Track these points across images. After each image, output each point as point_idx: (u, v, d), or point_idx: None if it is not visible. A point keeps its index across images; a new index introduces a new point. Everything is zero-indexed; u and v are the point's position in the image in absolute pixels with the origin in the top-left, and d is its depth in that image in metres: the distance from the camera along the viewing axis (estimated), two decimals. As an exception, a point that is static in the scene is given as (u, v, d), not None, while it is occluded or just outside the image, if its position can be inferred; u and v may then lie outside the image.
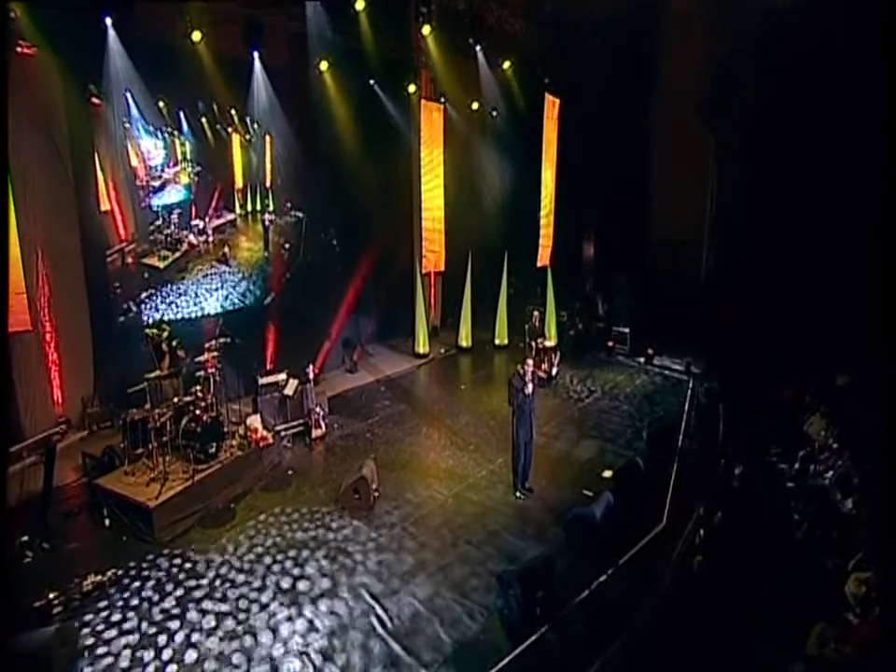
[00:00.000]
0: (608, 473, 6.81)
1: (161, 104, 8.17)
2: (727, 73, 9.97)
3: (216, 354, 6.74)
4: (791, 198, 9.35)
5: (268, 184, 9.92)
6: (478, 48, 10.84)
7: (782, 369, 8.53)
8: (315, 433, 8.09)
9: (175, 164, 8.71)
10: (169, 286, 8.70)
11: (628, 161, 11.47)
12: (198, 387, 6.55)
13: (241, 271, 9.68)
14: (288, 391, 7.88)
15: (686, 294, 11.11)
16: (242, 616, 4.67)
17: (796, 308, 9.05)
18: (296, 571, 5.26)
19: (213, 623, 4.58)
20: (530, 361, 6.18)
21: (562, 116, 11.82)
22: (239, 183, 9.61)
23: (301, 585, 5.07)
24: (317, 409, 8.11)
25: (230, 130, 9.22)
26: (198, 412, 6.46)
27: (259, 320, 9.56)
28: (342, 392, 9.65)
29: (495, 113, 12.23)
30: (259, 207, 9.91)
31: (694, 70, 10.37)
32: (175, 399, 6.46)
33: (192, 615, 4.68)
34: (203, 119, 8.78)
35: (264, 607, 4.78)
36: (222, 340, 6.87)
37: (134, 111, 7.87)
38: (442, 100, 11.25)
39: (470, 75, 11.20)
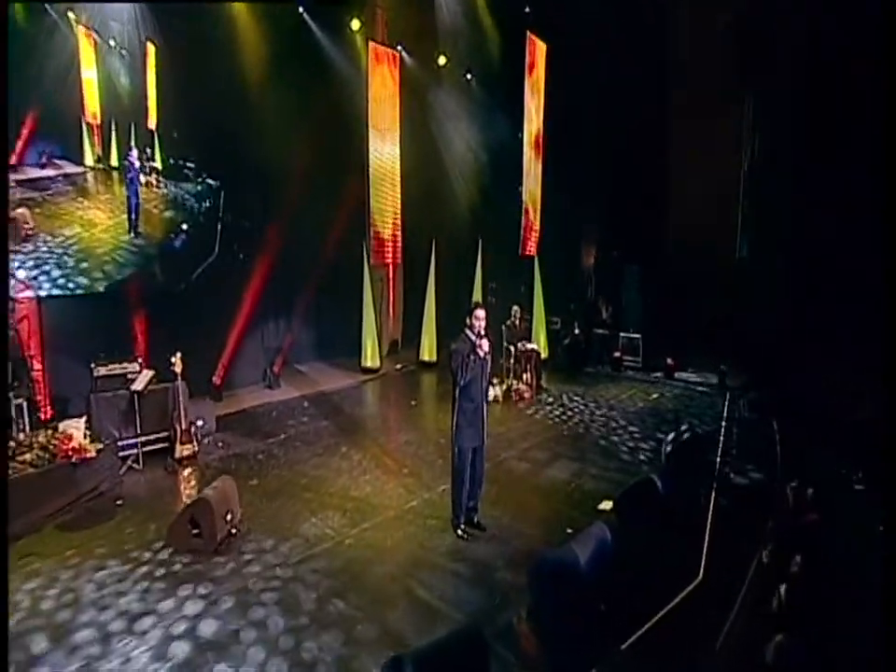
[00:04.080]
0: (606, 504, 5.04)
1: None
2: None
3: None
4: (852, 165, 7.90)
5: (151, 125, 7.89)
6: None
7: (851, 379, 6.98)
8: (182, 451, 6.16)
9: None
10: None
11: (637, 123, 10.17)
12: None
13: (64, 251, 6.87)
14: (137, 386, 5.99)
15: (716, 289, 9.77)
16: None
17: (860, 307, 7.51)
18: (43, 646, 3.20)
19: None
20: (481, 313, 4.39)
21: (550, 66, 10.64)
22: (93, 115, 7.22)
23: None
24: (193, 420, 6.31)
25: (74, 20, 6.73)
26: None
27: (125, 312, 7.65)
28: (248, 408, 8.28)
29: (469, 76, 11.21)
30: (137, 162, 7.68)
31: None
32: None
33: None
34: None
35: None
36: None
37: None
38: (399, 48, 10.16)
39: (435, 21, 10.26)
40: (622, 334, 10.52)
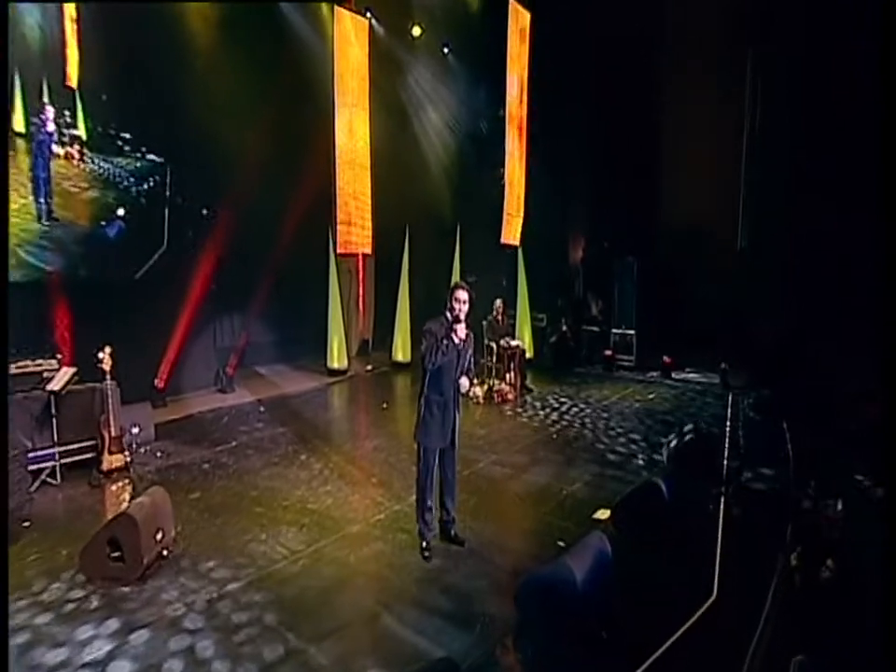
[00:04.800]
0: (602, 514, 4.73)
1: None
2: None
3: None
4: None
5: (71, 82, 6.82)
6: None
7: (863, 377, 6.91)
8: (112, 462, 5.65)
9: None
10: None
11: (630, 101, 10.03)
12: None
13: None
14: (54, 386, 5.45)
15: (715, 282, 9.69)
16: None
17: (871, 300, 7.47)
18: None
19: None
20: (462, 294, 3.99)
21: (535, 37, 10.45)
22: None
23: None
24: (126, 427, 5.83)
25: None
26: None
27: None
28: (196, 413, 7.84)
29: (446, 49, 10.95)
30: (52, 125, 6.63)
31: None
32: None
33: None
34: None
35: None
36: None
37: None
38: (368, 15, 9.84)
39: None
40: (613, 331, 10.44)
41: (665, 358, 9.56)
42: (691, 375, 9.58)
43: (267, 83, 8.52)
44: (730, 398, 8.30)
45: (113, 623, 3.39)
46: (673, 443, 5.56)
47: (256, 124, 8.47)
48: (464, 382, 4.13)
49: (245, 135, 8.39)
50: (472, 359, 4.28)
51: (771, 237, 9.14)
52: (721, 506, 4.77)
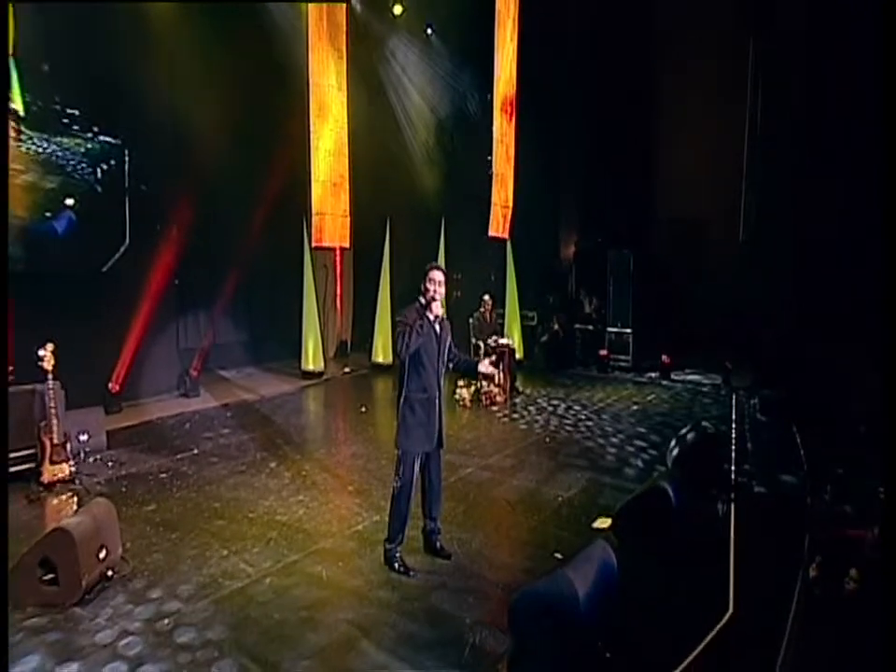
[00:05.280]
0: (603, 522, 4.55)
1: None
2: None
3: None
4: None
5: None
6: None
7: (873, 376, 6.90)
8: (53, 473, 5.32)
9: None
10: None
11: (626, 85, 10.01)
12: None
13: None
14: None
15: (716, 276, 9.82)
16: None
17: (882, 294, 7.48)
18: None
19: None
20: (437, 275, 3.82)
21: (524, 16, 10.32)
22: None
23: None
24: (72, 434, 5.51)
25: None
26: None
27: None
28: (155, 419, 7.56)
29: (430, 30, 10.84)
30: None
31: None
32: None
33: None
34: None
35: None
36: None
37: None
38: (345, -8, 9.65)
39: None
40: (609, 329, 10.38)
41: (664, 358, 9.51)
42: (691, 376, 9.53)
43: (237, 60, 8.28)
44: (734, 399, 8.26)
45: (33, 660, 3.05)
46: (678, 445, 5.38)
47: (225, 104, 8.19)
48: (483, 365, 4.11)
49: (214, 117, 8.08)
50: (458, 357, 4.15)
51: (774, 228, 9.12)
52: (732, 513, 4.60)
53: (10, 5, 5.65)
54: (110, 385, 7.59)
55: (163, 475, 5.66)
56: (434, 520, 4.10)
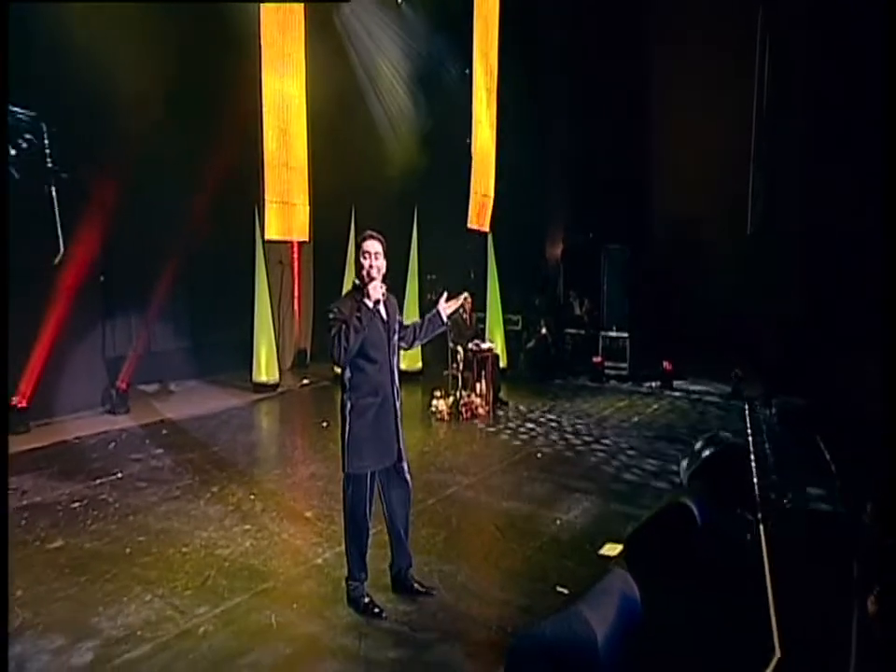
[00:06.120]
0: (611, 548, 4.32)
1: None
2: None
3: None
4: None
5: None
6: None
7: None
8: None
9: None
10: None
11: (620, 59, 10.11)
12: None
13: None
14: None
15: (722, 272, 9.89)
16: None
17: None
18: None
19: None
20: (371, 245, 3.43)
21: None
22: None
23: None
24: None
25: None
26: None
27: None
28: (72, 439, 7.09)
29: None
30: None
31: None
32: None
33: None
34: None
35: None
36: None
37: None
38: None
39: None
40: (603, 334, 10.38)
41: (665, 365, 9.49)
42: (695, 386, 9.53)
43: (177, 23, 7.91)
44: (746, 409, 8.25)
45: None
46: (696, 456, 5.14)
47: (162, 72, 7.83)
48: (443, 307, 3.67)
49: (148, 85, 7.76)
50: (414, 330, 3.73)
51: (785, 220, 9.11)
52: (762, 533, 4.32)
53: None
54: (14, 400, 7.07)
55: (76, 504, 5.21)
56: (404, 552, 3.69)
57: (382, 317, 3.46)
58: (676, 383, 9.49)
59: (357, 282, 3.47)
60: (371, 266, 3.39)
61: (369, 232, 3.52)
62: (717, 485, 4.62)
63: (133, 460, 6.29)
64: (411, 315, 9.57)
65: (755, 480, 5.46)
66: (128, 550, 4.33)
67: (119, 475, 5.86)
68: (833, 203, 8.33)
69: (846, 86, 8.22)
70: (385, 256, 3.48)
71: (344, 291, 9.54)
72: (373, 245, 3.42)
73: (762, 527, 4.46)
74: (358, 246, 3.46)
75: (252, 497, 5.30)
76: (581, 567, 4.06)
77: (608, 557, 4.14)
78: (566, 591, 3.71)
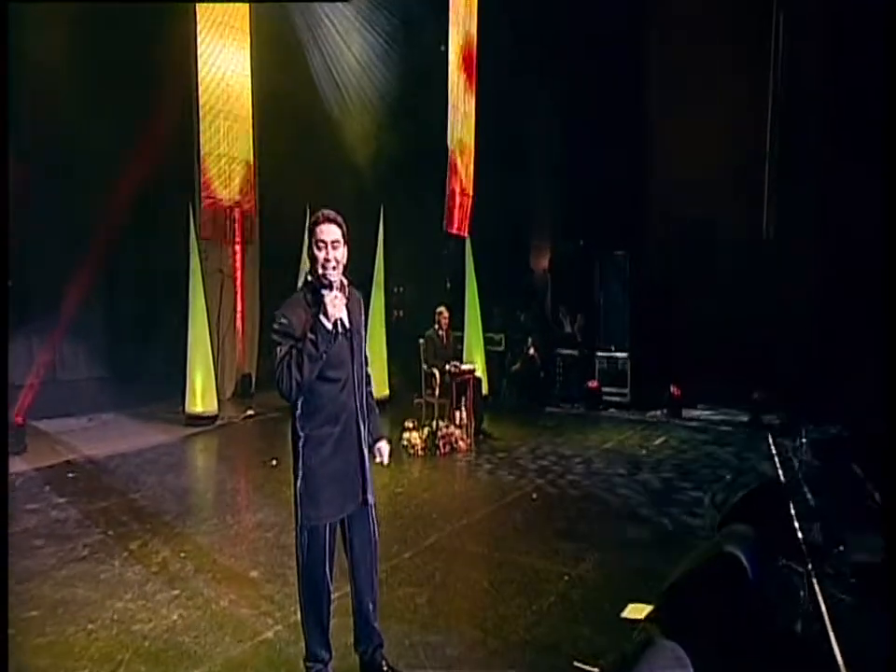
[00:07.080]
0: (635, 610, 4.08)
1: None
2: None
3: None
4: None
5: None
6: None
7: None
8: None
9: None
10: None
11: (619, 40, 10.27)
12: None
13: None
14: None
15: (734, 284, 9.88)
16: None
17: None
18: None
19: None
20: (328, 228, 3.01)
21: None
22: None
23: None
24: None
25: None
26: None
27: None
28: None
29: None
30: None
31: None
32: None
33: None
34: None
35: None
36: None
37: None
38: None
39: None
40: (599, 354, 10.43)
41: (673, 389, 9.57)
42: (707, 412, 9.68)
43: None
44: (770, 439, 8.28)
45: None
46: (722, 498, 4.96)
47: (74, 47, 7.99)
48: (383, 447, 3.35)
49: (59, 63, 7.86)
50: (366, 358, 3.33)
51: (806, 223, 9.30)
52: (818, 590, 4.11)
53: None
54: None
55: (-46, 567, 4.70)
56: (371, 624, 3.25)
57: (343, 324, 3.04)
58: (685, 410, 9.57)
59: (309, 277, 3.07)
60: (326, 259, 2.95)
61: (323, 213, 3.07)
62: (758, 531, 4.37)
63: (29, 511, 5.95)
64: (376, 341, 9.49)
65: (796, 524, 5.34)
66: (13, 630, 3.85)
67: (11, 531, 5.32)
68: (855, 206, 8.53)
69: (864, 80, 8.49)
70: (347, 243, 3.06)
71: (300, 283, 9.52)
72: (330, 231, 2.99)
73: (814, 581, 4.31)
74: (311, 232, 3.04)
75: (182, 554, 5.00)
76: (601, 634, 3.83)
77: (633, 621, 3.90)
78: (586, 667, 3.40)
